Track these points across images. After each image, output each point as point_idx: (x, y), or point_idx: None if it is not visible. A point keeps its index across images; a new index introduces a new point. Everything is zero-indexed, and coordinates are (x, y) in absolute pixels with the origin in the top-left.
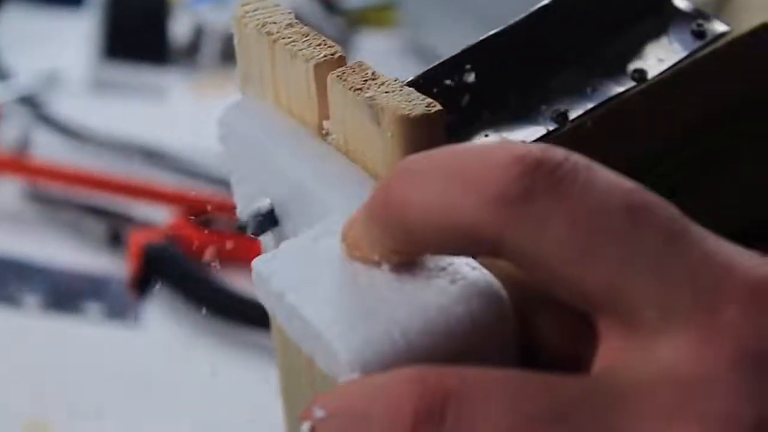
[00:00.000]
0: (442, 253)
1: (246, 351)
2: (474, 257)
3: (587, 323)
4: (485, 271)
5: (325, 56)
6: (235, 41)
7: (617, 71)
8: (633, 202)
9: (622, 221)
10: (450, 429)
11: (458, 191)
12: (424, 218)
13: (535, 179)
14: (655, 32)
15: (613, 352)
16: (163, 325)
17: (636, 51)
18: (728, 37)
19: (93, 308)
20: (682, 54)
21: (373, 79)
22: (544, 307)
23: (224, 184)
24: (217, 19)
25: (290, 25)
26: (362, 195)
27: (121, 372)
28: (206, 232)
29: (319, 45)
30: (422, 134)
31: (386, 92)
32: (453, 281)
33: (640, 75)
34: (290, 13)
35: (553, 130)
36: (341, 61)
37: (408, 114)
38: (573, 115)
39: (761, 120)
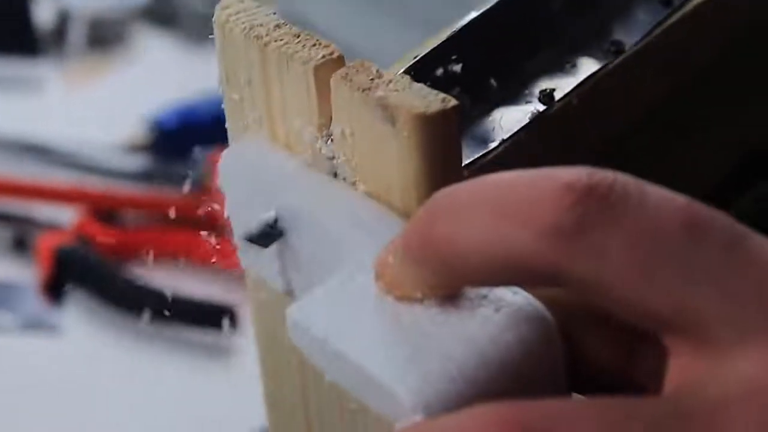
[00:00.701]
0: (491, 285)
1: (174, 350)
2: (525, 288)
3: (638, 337)
4: (527, 294)
5: (323, 56)
6: (217, 45)
7: (593, 46)
8: (688, 219)
9: (680, 239)
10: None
11: (510, 225)
12: (474, 254)
13: (588, 207)
14: (625, 3)
15: (686, 371)
16: (83, 330)
17: (609, 24)
18: (693, 2)
19: (5, 319)
20: (653, 23)
21: (380, 77)
22: (590, 324)
23: (120, 176)
24: (82, 4)
25: (278, 26)
26: (384, 232)
27: (44, 383)
28: (118, 229)
29: (314, 45)
30: (440, 131)
31: (396, 90)
32: (497, 309)
33: (616, 47)
34: (273, 13)
35: (543, 111)
36: (341, 60)
37: (425, 111)
38: (559, 94)
39: (728, 82)
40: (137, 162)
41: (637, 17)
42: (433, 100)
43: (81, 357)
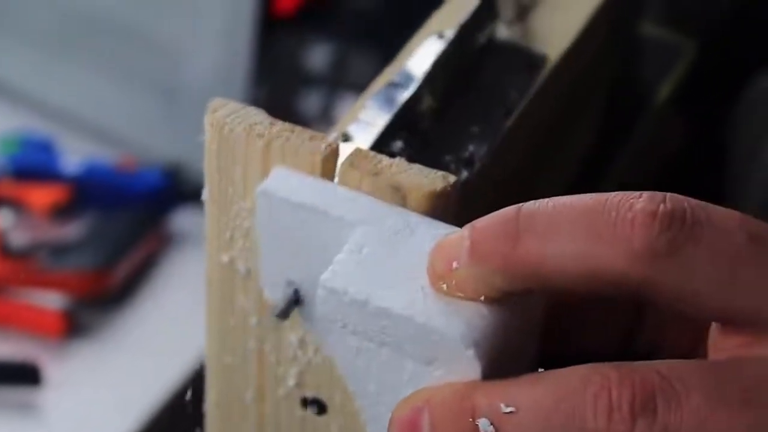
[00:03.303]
0: (567, 293)
1: None
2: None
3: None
4: None
5: (326, 147)
6: (212, 146)
7: (492, 111)
8: (751, 230)
9: (749, 248)
10: (662, 420)
11: (603, 246)
12: (564, 270)
13: (674, 231)
14: (507, 71)
15: (748, 350)
16: None
17: (497, 90)
18: (550, 62)
19: None
20: (527, 84)
21: (380, 162)
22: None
23: None
24: None
25: (272, 123)
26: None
27: None
28: None
29: (312, 138)
30: (443, 203)
31: (401, 172)
32: None
33: (507, 110)
34: (261, 111)
35: (468, 175)
36: (337, 149)
37: (434, 189)
38: (478, 155)
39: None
40: None
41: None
42: (435, 177)
43: None
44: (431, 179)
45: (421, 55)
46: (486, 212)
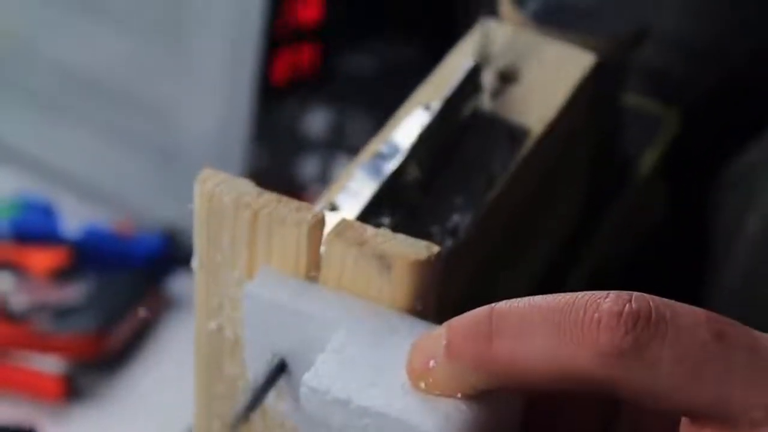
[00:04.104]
0: (540, 391)
1: None
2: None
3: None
4: None
5: (312, 218)
6: (202, 218)
7: (475, 182)
8: (715, 328)
9: (713, 346)
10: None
11: (571, 345)
12: (535, 369)
13: (639, 331)
14: (490, 143)
15: None
16: None
17: (480, 161)
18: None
19: None
20: (509, 156)
21: (365, 232)
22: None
23: None
24: None
25: (260, 194)
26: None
27: None
28: None
29: (299, 208)
30: (430, 273)
31: (385, 242)
32: None
33: (490, 181)
34: (249, 182)
35: (453, 246)
36: (323, 219)
37: (419, 258)
38: (462, 226)
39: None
40: None
41: (500, 151)
42: (419, 247)
43: None
44: (416, 249)
45: (408, 127)
46: (468, 284)
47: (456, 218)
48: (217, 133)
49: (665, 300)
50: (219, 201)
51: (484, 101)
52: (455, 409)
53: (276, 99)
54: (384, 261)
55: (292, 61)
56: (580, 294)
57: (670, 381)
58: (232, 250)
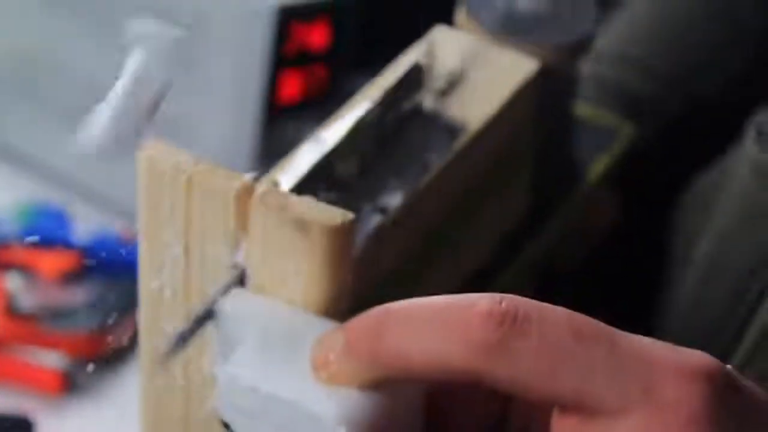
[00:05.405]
0: (424, 381)
1: None
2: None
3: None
4: None
5: (242, 184)
6: (144, 183)
7: (410, 166)
8: (574, 326)
9: (572, 342)
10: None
11: (449, 341)
12: (419, 362)
13: (505, 328)
14: (429, 136)
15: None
16: None
17: (418, 151)
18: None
19: None
20: (446, 148)
21: (288, 199)
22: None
23: None
24: None
25: (196, 162)
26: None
27: None
28: None
29: (229, 176)
30: (343, 238)
31: (305, 209)
32: None
33: (424, 167)
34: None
35: (382, 221)
36: (253, 186)
37: (334, 223)
38: (390, 206)
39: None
40: None
41: (423, 140)
42: (336, 214)
43: None
44: (331, 215)
45: (351, 117)
46: (398, 257)
47: (386, 198)
48: (225, 149)
49: (534, 302)
50: (158, 167)
51: (428, 99)
52: (350, 398)
53: (283, 118)
54: (301, 225)
55: (300, 82)
56: (461, 296)
57: (530, 374)
58: (170, 213)
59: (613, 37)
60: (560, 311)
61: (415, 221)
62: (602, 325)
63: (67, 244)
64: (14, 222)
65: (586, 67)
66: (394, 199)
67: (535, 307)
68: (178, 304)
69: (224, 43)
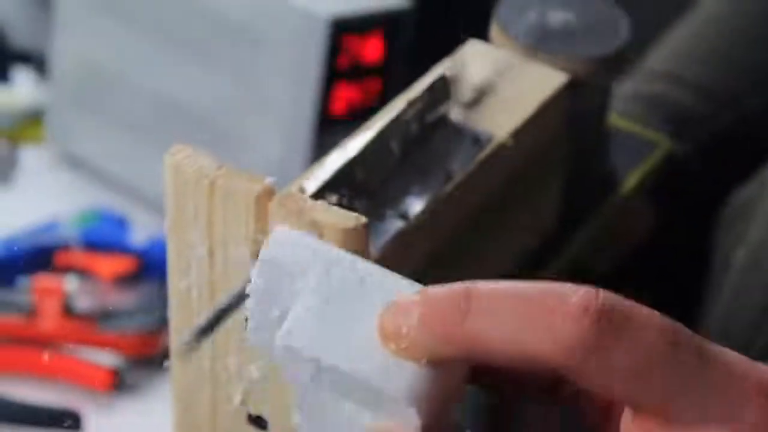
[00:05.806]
0: (502, 365)
1: None
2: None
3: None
4: None
5: (262, 188)
6: (170, 186)
7: (433, 175)
8: (666, 329)
9: (666, 348)
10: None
11: (538, 332)
12: (502, 348)
13: (600, 327)
14: (454, 146)
15: None
16: None
17: (442, 160)
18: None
19: None
20: (470, 157)
21: (305, 203)
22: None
23: None
24: None
25: (219, 167)
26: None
27: None
28: None
29: (250, 179)
30: (354, 239)
31: (320, 212)
32: None
33: (447, 176)
34: (209, 155)
35: (404, 226)
36: (273, 190)
37: (347, 226)
38: (412, 213)
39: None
40: None
41: (461, 152)
42: (348, 217)
43: None
44: (344, 218)
45: (376, 126)
46: (422, 261)
47: (408, 204)
48: (279, 161)
49: (628, 301)
50: (183, 172)
51: (455, 111)
52: (420, 375)
53: (335, 130)
54: (316, 227)
55: (353, 94)
56: (554, 285)
57: (619, 377)
58: (195, 215)
59: (666, 56)
60: (655, 314)
61: (438, 227)
62: (693, 333)
63: (123, 249)
64: (75, 227)
65: (635, 84)
66: (415, 206)
67: (631, 307)
68: (204, 303)
69: (279, 57)
